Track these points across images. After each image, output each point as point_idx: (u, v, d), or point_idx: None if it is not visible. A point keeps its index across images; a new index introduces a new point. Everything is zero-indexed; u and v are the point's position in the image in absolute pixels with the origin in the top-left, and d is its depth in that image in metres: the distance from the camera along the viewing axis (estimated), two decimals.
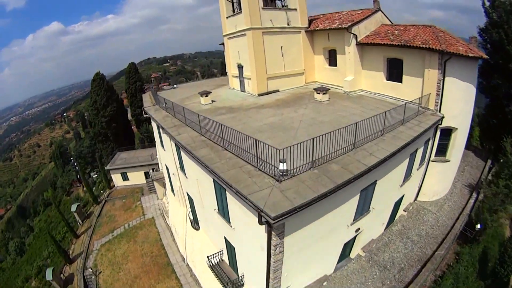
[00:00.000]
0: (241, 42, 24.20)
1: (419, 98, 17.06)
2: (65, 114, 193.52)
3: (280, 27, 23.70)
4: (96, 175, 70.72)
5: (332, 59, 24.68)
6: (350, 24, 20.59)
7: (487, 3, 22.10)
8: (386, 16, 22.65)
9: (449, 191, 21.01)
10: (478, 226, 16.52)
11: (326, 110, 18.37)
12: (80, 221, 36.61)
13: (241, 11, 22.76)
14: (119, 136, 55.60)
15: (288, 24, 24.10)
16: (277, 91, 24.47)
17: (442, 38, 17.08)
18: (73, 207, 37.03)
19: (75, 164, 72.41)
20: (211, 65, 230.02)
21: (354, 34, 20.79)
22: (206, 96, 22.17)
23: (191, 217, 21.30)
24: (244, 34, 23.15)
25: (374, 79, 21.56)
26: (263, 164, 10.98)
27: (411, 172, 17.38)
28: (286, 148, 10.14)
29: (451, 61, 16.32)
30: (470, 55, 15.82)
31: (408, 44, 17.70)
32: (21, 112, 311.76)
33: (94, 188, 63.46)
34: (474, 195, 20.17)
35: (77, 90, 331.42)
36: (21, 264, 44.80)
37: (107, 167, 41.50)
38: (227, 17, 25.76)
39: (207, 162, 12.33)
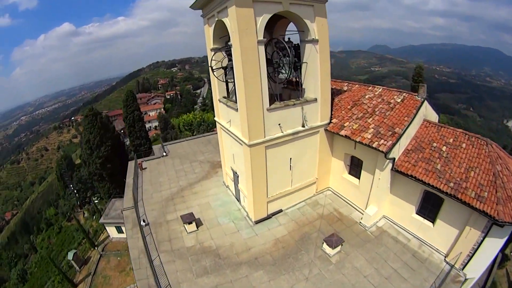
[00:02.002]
0: (236, 147, 18.79)
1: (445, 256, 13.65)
2: (73, 118, 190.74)
3: (292, 133, 17.53)
4: (97, 201, 68.21)
5: (354, 167, 19.39)
6: (390, 146, 15.18)
7: None
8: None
9: None
10: None
11: (332, 285, 14.12)
12: (77, 268, 34.42)
13: (236, 107, 16.59)
14: (115, 176, 51.99)
15: (304, 126, 17.81)
16: (280, 211, 19.55)
17: (499, 177, 13.28)
18: (70, 255, 34.82)
19: (75, 191, 69.31)
20: None
21: (392, 158, 15.83)
22: (190, 223, 18.07)
23: None
24: (241, 143, 17.38)
25: (401, 208, 17.07)
26: None
27: None
28: None
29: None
30: None
31: (457, 196, 13.28)
32: (31, 111, 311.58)
33: (94, 217, 61.08)
34: None
35: (86, 90, 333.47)
36: None
37: (101, 220, 38.34)
38: (219, 100, 20.54)
39: None
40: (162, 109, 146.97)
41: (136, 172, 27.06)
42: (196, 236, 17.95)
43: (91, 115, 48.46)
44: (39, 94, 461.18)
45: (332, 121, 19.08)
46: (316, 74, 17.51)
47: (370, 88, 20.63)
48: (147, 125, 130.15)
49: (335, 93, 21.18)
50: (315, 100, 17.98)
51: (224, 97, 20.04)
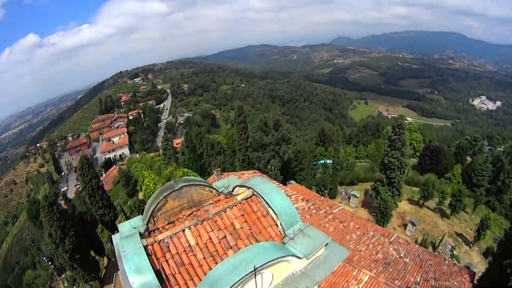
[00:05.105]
0: None
1: None
2: (38, 144, 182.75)
3: None
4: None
5: None
6: None
7: None
8: None
9: None
10: None
11: None
12: None
13: None
14: (88, 261, 50.97)
15: None
16: None
17: None
18: None
19: (50, 262, 67.43)
20: (181, 78, 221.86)
21: None
22: None
23: None
24: None
25: None
26: None
27: None
28: None
29: None
30: None
31: None
32: None
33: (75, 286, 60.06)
34: None
35: (52, 107, 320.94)
36: None
37: None
38: None
39: None
40: (126, 133, 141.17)
41: None
42: None
43: (46, 206, 45.01)
44: (4, 114, 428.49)
45: None
46: None
47: (355, 272, 15.96)
48: (112, 154, 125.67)
49: None
50: None
51: None
